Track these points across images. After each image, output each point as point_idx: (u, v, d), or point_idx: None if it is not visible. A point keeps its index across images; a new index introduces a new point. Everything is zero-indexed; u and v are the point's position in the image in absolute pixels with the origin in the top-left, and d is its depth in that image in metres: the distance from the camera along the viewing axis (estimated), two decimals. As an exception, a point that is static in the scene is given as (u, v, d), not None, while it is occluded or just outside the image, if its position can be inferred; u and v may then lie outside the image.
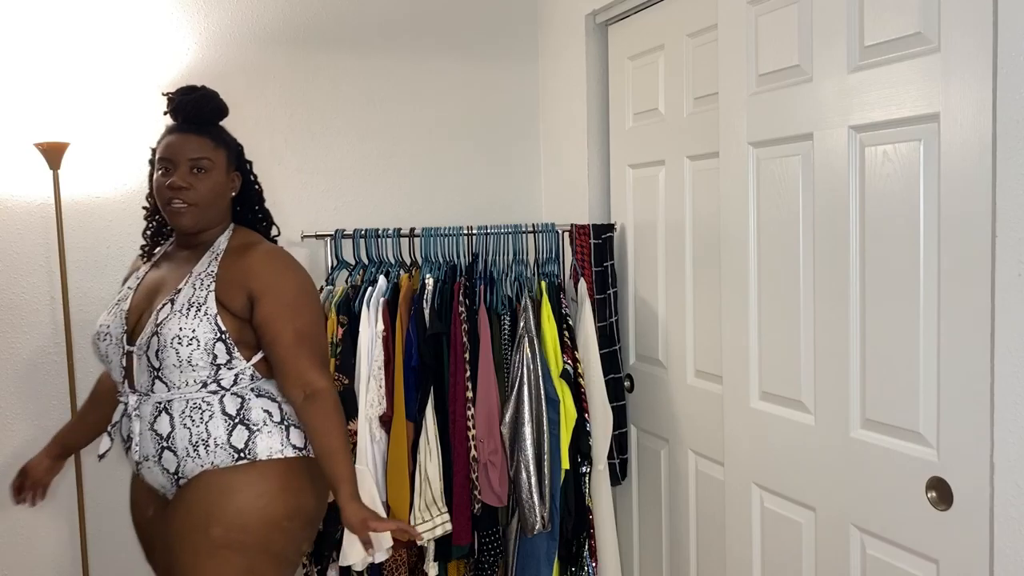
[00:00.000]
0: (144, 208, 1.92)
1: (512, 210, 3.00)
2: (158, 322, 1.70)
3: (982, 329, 1.41)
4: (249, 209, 1.92)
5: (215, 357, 1.70)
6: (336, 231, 2.59)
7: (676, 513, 2.46)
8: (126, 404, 1.75)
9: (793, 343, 1.82)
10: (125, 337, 1.75)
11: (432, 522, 2.30)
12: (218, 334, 1.70)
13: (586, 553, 2.43)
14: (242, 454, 1.71)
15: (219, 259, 1.78)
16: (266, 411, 1.75)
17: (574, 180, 2.81)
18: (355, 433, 2.28)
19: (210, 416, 1.70)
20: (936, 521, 1.52)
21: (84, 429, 2.01)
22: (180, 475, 1.72)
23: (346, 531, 2.22)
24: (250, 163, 1.91)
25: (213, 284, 1.73)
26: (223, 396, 1.72)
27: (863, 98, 1.62)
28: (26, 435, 2.47)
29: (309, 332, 1.77)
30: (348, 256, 2.61)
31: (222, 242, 1.82)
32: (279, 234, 1.97)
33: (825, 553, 1.78)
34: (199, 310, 1.70)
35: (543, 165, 3.04)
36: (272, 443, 1.74)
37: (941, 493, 1.51)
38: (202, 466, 1.71)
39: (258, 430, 1.73)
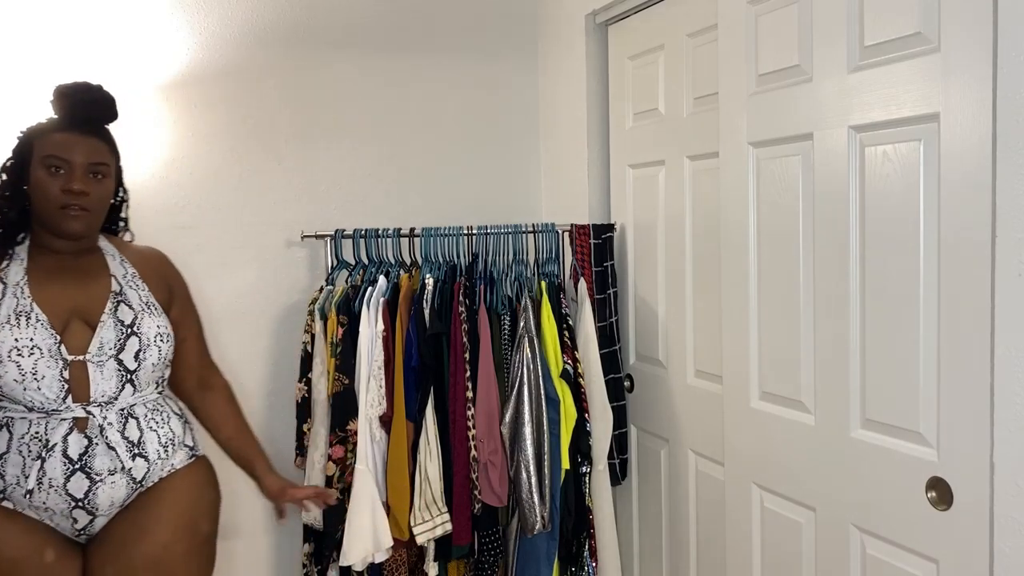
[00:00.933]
0: None
1: (512, 210, 3.00)
2: (128, 323, 1.69)
3: (982, 329, 1.41)
4: (112, 217, 1.84)
5: (172, 354, 1.79)
6: (336, 231, 2.59)
7: (676, 513, 2.46)
8: (87, 418, 1.62)
9: (793, 343, 1.82)
10: (62, 347, 1.61)
11: (432, 522, 2.30)
12: (172, 331, 1.80)
13: (586, 553, 2.43)
14: (192, 451, 1.83)
15: (124, 262, 1.79)
16: (185, 409, 1.92)
17: (574, 180, 2.81)
18: (355, 433, 2.28)
19: (168, 417, 1.78)
20: (936, 521, 1.52)
21: None
22: (142, 484, 1.71)
23: (347, 530, 2.23)
24: (121, 169, 1.84)
25: (145, 284, 1.78)
26: (165, 397, 1.82)
27: (863, 98, 1.62)
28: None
29: (202, 329, 1.96)
30: (348, 256, 2.61)
31: (108, 245, 1.80)
32: (132, 239, 1.94)
33: (825, 553, 1.78)
34: (155, 308, 1.77)
35: (543, 165, 3.04)
36: (198, 437, 1.90)
37: (941, 493, 1.51)
38: (162, 470, 1.74)
39: (192, 427, 1.88)
